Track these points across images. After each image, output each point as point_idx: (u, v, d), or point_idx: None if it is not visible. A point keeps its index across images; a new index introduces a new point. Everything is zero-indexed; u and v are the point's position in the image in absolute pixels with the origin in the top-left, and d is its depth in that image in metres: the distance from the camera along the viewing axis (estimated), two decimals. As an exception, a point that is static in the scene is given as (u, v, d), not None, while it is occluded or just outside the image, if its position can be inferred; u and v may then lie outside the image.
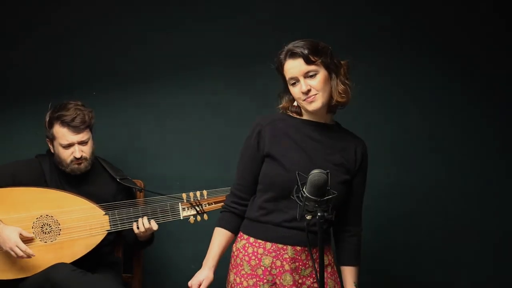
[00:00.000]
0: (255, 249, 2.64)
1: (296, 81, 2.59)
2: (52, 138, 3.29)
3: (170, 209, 3.31)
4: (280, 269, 2.62)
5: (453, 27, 3.66)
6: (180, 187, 3.61)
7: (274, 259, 2.62)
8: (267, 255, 2.63)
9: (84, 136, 3.27)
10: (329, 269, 2.69)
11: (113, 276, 3.28)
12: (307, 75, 2.58)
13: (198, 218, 3.34)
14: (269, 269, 2.62)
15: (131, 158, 3.73)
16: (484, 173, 3.66)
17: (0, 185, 3.21)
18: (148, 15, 3.76)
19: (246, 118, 3.60)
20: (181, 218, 3.32)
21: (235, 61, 3.72)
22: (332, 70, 2.61)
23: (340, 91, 2.62)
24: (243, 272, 2.66)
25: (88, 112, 3.29)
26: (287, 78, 2.61)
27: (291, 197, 2.39)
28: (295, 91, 2.60)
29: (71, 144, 3.25)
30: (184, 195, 3.32)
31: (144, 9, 3.76)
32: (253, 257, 2.64)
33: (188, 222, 3.34)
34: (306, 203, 2.32)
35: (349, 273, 2.72)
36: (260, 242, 2.64)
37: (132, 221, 3.27)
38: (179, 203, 3.33)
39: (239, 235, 2.71)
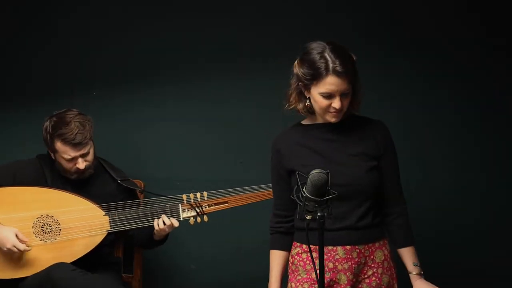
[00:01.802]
0: (309, 254, 2.59)
1: (330, 95, 2.55)
2: (53, 151, 3.28)
3: (170, 210, 3.31)
4: (333, 270, 2.61)
5: (444, 27, 3.68)
6: (180, 188, 3.62)
7: (327, 262, 2.59)
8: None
9: (86, 149, 3.27)
10: (385, 264, 2.67)
11: (113, 276, 3.28)
12: (343, 94, 2.56)
13: (198, 219, 3.34)
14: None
15: (131, 159, 3.73)
16: (482, 173, 3.67)
17: (1, 185, 3.21)
18: (148, 15, 3.76)
19: (247, 119, 3.63)
20: (181, 219, 3.32)
21: (236, 60, 3.71)
22: (354, 82, 2.60)
23: (357, 103, 2.64)
24: (299, 277, 2.65)
25: (87, 122, 3.27)
26: (321, 90, 2.54)
27: (291, 197, 2.39)
28: (324, 103, 2.55)
29: (74, 158, 3.26)
30: (184, 196, 3.32)
31: (144, 9, 3.77)
32: (308, 262, 2.63)
33: (188, 223, 3.34)
34: (306, 203, 2.32)
35: (406, 255, 2.71)
36: (312, 247, 2.57)
37: (132, 222, 3.28)
38: (179, 204, 3.33)
39: (293, 244, 2.71)
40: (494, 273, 3.66)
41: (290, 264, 2.70)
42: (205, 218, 3.34)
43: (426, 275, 3.52)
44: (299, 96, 2.64)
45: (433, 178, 3.68)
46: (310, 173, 2.28)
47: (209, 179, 3.64)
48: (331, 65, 2.51)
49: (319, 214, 2.29)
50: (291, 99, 2.66)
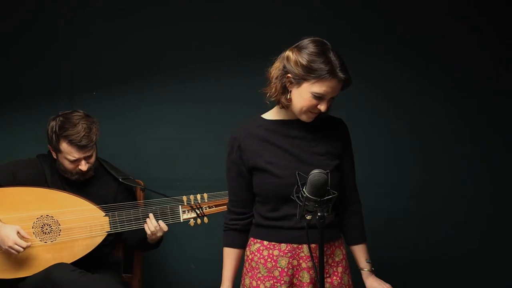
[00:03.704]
0: (270, 251, 2.62)
1: (321, 97, 2.52)
2: (57, 151, 3.28)
3: (170, 211, 3.31)
4: (297, 267, 2.60)
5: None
6: (180, 188, 3.62)
7: (291, 259, 2.60)
8: (283, 256, 2.60)
9: (90, 151, 3.27)
10: (343, 263, 2.68)
11: (113, 276, 3.28)
12: (332, 98, 2.55)
13: (198, 221, 3.34)
14: (285, 270, 2.60)
15: (131, 159, 3.73)
16: (482, 173, 3.68)
17: (1, 184, 3.22)
18: (148, 15, 3.77)
19: (248, 119, 3.62)
20: (181, 220, 3.32)
21: (235, 61, 3.72)
22: None
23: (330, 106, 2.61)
24: (259, 275, 2.63)
25: (94, 125, 3.26)
26: (316, 90, 2.50)
27: (291, 197, 2.37)
28: (312, 103, 2.52)
29: (78, 159, 3.26)
30: (184, 198, 3.32)
31: (144, 10, 3.77)
32: (269, 259, 2.62)
33: (188, 224, 3.34)
34: (306, 203, 2.31)
35: (359, 252, 2.72)
36: (275, 244, 2.62)
37: (132, 223, 3.27)
38: (180, 206, 3.33)
39: (250, 239, 2.69)
40: (494, 273, 3.66)
41: (249, 260, 2.67)
42: (205, 219, 3.34)
43: (425, 274, 3.54)
44: (283, 88, 2.58)
45: (433, 178, 3.68)
46: (310, 173, 2.28)
47: (209, 179, 3.64)
48: (335, 69, 2.49)
49: (319, 214, 2.29)
50: (273, 90, 2.60)
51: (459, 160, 3.67)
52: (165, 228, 3.25)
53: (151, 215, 3.25)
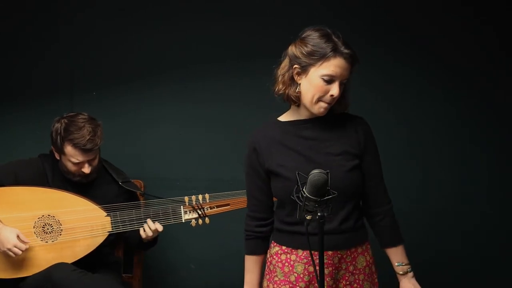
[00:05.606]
0: (288, 255, 2.57)
1: (331, 80, 2.45)
2: (61, 153, 3.28)
3: (172, 212, 3.31)
4: (314, 274, 2.52)
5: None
6: (180, 188, 3.62)
7: (307, 265, 2.54)
8: (299, 262, 2.55)
9: (94, 154, 3.27)
10: (367, 271, 2.61)
11: (113, 276, 3.28)
12: (342, 81, 2.47)
13: (200, 221, 3.33)
14: (301, 276, 2.55)
15: (131, 159, 3.74)
16: (482, 173, 3.68)
17: (3, 184, 3.21)
18: (148, 15, 3.78)
19: (248, 119, 3.63)
20: (183, 221, 3.31)
21: (235, 61, 3.72)
22: (350, 75, 2.51)
23: (345, 104, 2.55)
24: (276, 278, 2.59)
25: (99, 128, 3.26)
26: (324, 72, 2.43)
27: (291, 197, 2.34)
28: (323, 88, 2.44)
29: (82, 162, 3.26)
30: (186, 199, 3.32)
31: (144, 10, 3.78)
32: (286, 264, 2.57)
33: (190, 225, 3.34)
34: (306, 203, 2.31)
35: (392, 255, 2.63)
36: (292, 250, 2.57)
37: (134, 223, 3.27)
38: (181, 206, 3.33)
39: (272, 243, 2.64)
40: (495, 273, 3.67)
41: (268, 263, 2.63)
42: (207, 220, 3.34)
43: (425, 276, 3.52)
44: (291, 80, 2.51)
45: (433, 178, 3.69)
46: (310, 173, 2.26)
47: (209, 179, 3.64)
48: (339, 47, 2.44)
49: (319, 214, 2.27)
50: (281, 85, 2.54)
51: (459, 160, 3.68)
52: (160, 228, 3.25)
53: (149, 220, 3.25)
